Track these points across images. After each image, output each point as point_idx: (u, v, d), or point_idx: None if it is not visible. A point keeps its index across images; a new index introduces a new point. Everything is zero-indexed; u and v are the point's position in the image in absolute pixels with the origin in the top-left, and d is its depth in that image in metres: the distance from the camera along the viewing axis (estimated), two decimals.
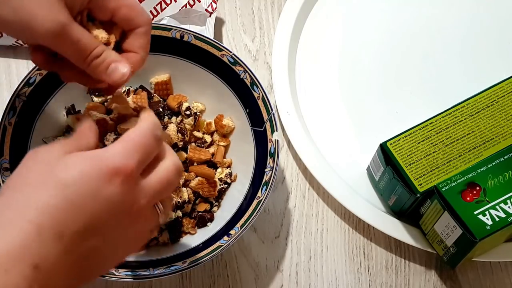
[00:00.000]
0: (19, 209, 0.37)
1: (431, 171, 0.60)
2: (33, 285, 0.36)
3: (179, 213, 0.61)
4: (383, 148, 0.62)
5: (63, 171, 0.39)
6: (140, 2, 0.70)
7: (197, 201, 0.63)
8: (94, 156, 0.40)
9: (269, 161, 0.61)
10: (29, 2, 0.43)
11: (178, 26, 0.65)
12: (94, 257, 0.40)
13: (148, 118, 0.45)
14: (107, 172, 0.39)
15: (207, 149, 0.65)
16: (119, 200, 0.40)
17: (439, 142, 0.62)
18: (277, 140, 0.61)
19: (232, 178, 0.64)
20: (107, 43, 0.48)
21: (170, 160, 0.44)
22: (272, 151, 0.61)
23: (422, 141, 0.62)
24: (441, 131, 0.62)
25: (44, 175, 0.39)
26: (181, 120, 0.64)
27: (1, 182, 0.57)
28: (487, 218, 0.57)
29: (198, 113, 0.65)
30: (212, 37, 0.66)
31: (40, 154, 0.40)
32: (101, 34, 0.48)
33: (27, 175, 0.39)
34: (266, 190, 0.59)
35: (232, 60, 0.63)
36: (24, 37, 0.49)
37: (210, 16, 0.71)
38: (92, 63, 0.47)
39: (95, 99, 0.63)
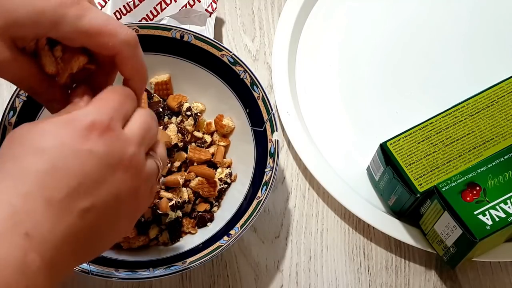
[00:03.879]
0: (1, 182, 0.36)
1: (431, 171, 0.60)
2: (29, 253, 0.35)
3: (179, 213, 0.61)
4: (383, 148, 0.62)
5: (38, 137, 0.38)
6: (140, 2, 0.70)
7: (197, 201, 0.63)
8: (68, 118, 0.39)
9: (269, 161, 0.61)
10: None
11: (178, 26, 0.65)
12: (94, 218, 0.38)
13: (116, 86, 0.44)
14: (82, 129, 0.38)
15: (207, 149, 0.65)
16: (102, 152, 0.38)
17: (439, 142, 0.62)
18: (277, 140, 0.61)
19: (232, 178, 0.64)
20: (57, 74, 0.44)
21: (142, 109, 0.44)
22: (272, 151, 0.61)
23: (422, 141, 0.62)
24: (441, 131, 0.62)
25: (21, 146, 0.38)
26: (181, 120, 0.64)
27: None
28: (487, 218, 0.57)
29: (198, 114, 0.65)
30: (212, 37, 0.66)
31: (18, 129, 0.40)
32: (49, 66, 0.43)
33: (6, 151, 0.39)
34: (266, 190, 0.59)
35: (232, 60, 0.63)
36: None
37: (210, 16, 0.71)
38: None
39: None
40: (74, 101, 0.43)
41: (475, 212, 0.57)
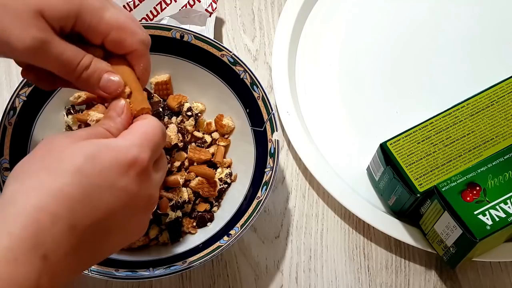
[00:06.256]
0: (34, 196, 0.36)
1: (431, 171, 0.60)
2: (42, 275, 0.35)
3: (179, 213, 0.61)
4: (383, 148, 0.62)
5: (77, 156, 0.38)
6: (140, 2, 0.70)
7: (197, 201, 0.63)
8: (111, 146, 0.40)
9: (269, 161, 0.61)
10: (2, 18, 0.41)
11: (178, 26, 0.65)
12: (101, 246, 0.40)
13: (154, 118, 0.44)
14: (124, 164, 0.39)
15: (207, 149, 0.65)
16: (134, 192, 0.40)
17: (439, 142, 0.62)
18: (277, 140, 0.61)
19: (232, 178, 0.64)
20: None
21: (164, 155, 0.45)
22: (272, 151, 0.61)
23: (422, 141, 0.62)
24: (441, 131, 0.62)
25: (61, 161, 0.38)
26: (182, 120, 0.64)
27: (1, 182, 0.57)
28: (487, 218, 0.57)
29: (198, 114, 0.65)
30: (212, 37, 0.66)
31: (56, 140, 0.40)
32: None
33: (42, 160, 0.38)
34: (266, 190, 0.59)
35: (232, 60, 0.63)
36: (7, 56, 0.44)
37: (210, 16, 0.71)
38: (82, 75, 0.44)
39: (69, 117, 0.63)
40: (111, 115, 0.44)
41: (475, 212, 0.57)
